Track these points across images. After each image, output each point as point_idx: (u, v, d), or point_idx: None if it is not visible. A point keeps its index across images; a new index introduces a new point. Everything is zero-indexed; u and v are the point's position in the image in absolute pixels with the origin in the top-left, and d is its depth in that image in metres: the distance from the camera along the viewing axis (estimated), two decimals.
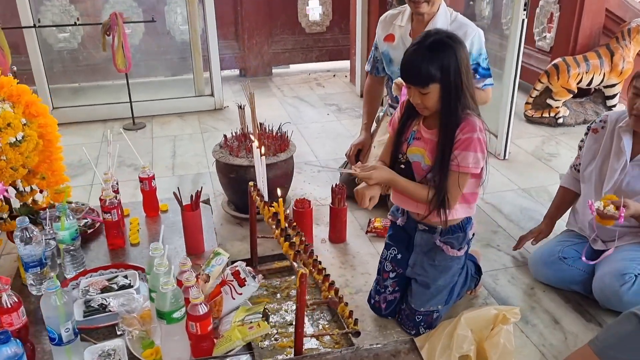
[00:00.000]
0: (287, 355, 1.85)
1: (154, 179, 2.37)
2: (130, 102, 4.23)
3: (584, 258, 2.18)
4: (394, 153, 1.92)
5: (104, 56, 4.29)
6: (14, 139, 2.12)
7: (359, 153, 2.96)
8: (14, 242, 1.99)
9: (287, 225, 2.01)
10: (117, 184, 2.31)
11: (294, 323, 1.70)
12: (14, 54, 4.31)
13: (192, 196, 2.13)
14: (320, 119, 4.48)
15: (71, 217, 1.97)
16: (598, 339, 1.71)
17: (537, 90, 4.22)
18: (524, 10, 3.26)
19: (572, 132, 4.11)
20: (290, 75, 5.77)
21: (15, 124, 2.13)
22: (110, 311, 1.78)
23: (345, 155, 3.05)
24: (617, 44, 4.05)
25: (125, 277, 1.96)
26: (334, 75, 5.68)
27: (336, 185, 2.71)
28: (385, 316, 2.14)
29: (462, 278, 2.10)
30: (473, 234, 2.01)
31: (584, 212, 2.30)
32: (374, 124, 3.08)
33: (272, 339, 1.96)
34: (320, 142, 3.99)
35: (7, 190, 2.08)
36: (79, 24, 4.33)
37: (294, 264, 1.80)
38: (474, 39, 2.58)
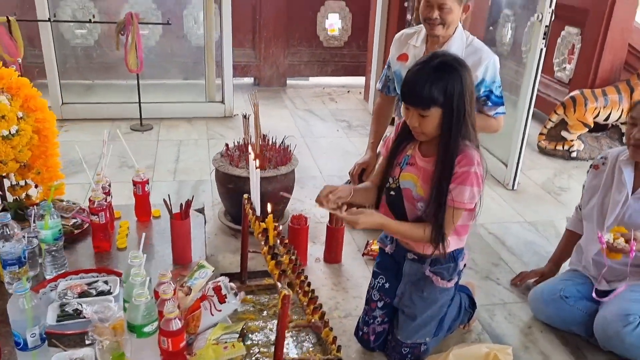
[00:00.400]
0: None
1: (148, 183, 2.31)
2: (140, 102, 4.21)
3: (594, 294, 2.09)
4: (384, 176, 1.83)
5: (118, 55, 4.28)
6: (7, 132, 2.07)
7: (362, 172, 2.89)
8: None
9: (278, 242, 1.95)
10: (109, 185, 2.25)
11: None
12: (29, 46, 4.32)
13: (181, 205, 2.07)
14: (329, 134, 4.42)
15: (55, 217, 1.92)
16: None
17: (552, 121, 4.13)
18: (543, 39, 3.19)
19: (585, 167, 3.95)
20: (304, 88, 5.73)
21: (10, 116, 2.09)
22: (84, 317, 1.71)
23: (349, 173, 2.98)
24: (638, 80, 3.95)
25: (106, 282, 1.90)
26: (348, 91, 5.64)
27: None
28: (373, 349, 2.04)
29: (454, 311, 2.01)
30: (464, 265, 1.92)
31: (587, 249, 2.24)
32: (381, 144, 3.01)
33: (253, 358, 1.89)
34: (327, 158, 3.92)
35: None
36: (94, 21, 4.32)
37: (278, 284, 1.73)
38: (489, 65, 2.51)
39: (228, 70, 4.51)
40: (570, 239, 2.43)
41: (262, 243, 1.94)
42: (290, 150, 2.89)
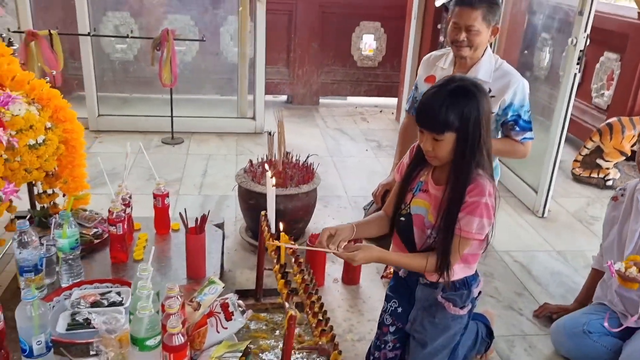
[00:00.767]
0: None
1: (168, 196, 2.33)
2: (172, 116, 4.28)
3: (614, 328, 2.00)
4: (397, 202, 1.79)
5: (154, 70, 4.37)
6: (34, 142, 2.13)
7: (385, 194, 2.85)
8: None
9: (293, 260, 1.93)
10: (129, 197, 2.28)
11: None
12: (70, 59, 4.46)
13: (196, 219, 2.07)
14: (358, 153, 4.40)
15: (73, 226, 1.95)
16: None
17: (587, 148, 4.01)
18: (577, 64, 3.11)
19: None
20: (336, 107, 5.74)
21: (38, 127, 2.15)
22: (94, 327, 1.72)
23: (372, 194, 2.95)
24: None
25: (119, 293, 1.91)
26: (381, 111, 5.62)
27: None
28: None
29: (470, 340, 1.94)
30: (479, 293, 1.85)
31: (610, 282, 2.15)
32: (395, 169, 2.97)
33: None
34: (354, 178, 3.90)
35: (16, 192, 2.08)
36: (132, 37, 4.44)
37: (285, 303, 1.71)
38: (517, 89, 2.45)
39: (260, 87, 4.56)
40: (596, 278, 2.34)
41: (275, 261, 1.93)
42: (313, 169, 2.88)
